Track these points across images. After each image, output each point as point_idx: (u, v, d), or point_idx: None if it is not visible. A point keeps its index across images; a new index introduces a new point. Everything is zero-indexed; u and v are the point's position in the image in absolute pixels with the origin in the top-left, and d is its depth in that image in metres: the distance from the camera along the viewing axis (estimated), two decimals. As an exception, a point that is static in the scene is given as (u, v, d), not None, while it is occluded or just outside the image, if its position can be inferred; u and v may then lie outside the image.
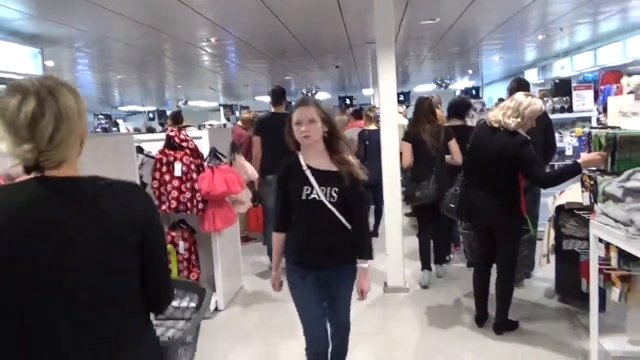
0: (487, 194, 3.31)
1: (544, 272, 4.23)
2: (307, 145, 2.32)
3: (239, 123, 7.13)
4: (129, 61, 9.26)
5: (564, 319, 3.68)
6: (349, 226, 2.36)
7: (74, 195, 1.17)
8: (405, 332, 3.70)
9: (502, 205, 3.27)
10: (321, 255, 2.39)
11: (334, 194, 2.28)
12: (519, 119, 3.17)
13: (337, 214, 2.31)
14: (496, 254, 3.41)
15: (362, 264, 2.43)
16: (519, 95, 3.26)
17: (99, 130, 15.88)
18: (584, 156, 3.10)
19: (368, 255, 2.45)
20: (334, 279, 2.44)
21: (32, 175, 1.12)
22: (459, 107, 5.02)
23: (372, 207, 6.52)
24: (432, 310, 4.01)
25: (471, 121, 6.90)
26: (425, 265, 4.63)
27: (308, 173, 2.31)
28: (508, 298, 3.43)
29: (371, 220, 6.52)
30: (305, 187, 2.29)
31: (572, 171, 3.18)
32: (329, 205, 2.29)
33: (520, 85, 4.42)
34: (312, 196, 2.28)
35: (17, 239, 1.08)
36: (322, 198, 2.28)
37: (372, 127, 6.30)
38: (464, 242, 4.94)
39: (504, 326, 3.46)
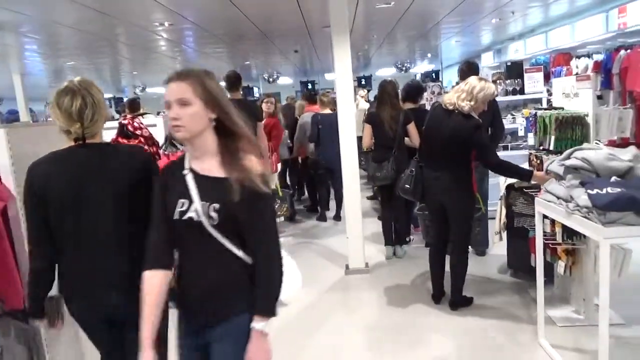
0: (441, 174, 3.41)
1: (498, 249, 4.41)
2: (182, 139, 1.59)
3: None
4: (80, 47, 8.89)
5: (516, 292, 3.85)
6: (249, 261, 1.59)
7: (102, 152, 1.91)
8: (365, 313, 3.79)
9: (454, 185, 3.38)
10: (197, 306, 1.62)
11: (212, 214, 1.53)
12: (472, 102, 3.27)
13: (226, 242, 1.56)
14: (450, 232, 3.52)
15: (256, 324, 1.57)
16: (473, 79, 3.35)
17: (50, 119, 15.24)
18: (539, 173, 3.23)
19: (266, 309, 1.59)
20: (213, 343, 1.64)
21: (77, 143, 1.86)
22: (412, 91, 5.12)
23: (332, 192, 6.60)
24: (392, 290, 4.12)
25: (428, 104, 7.04)
26: (388, 241, 4.82)
27: (189, 179, 1.59)
28: (462, 275, 3.55)
29: (332, 204, 6.61)
30: (181, 201, 1.57)
31: (522, 175, 3.32)
32: (210, 229, 1.54)
33: (470, 68, 4.54)
34: (189, 214, 1.55)
35: (69, 178, 1.83)
36: (202, 218, 1.54)
37: (327, 111, 6.35)
38: (420, 222, 5.08)
39: (459, 302, 3.59)
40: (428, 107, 6.90)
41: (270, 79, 16.68)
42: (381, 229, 4.94)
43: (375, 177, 4.64)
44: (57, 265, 1.87)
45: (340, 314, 3.79)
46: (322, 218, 6.59)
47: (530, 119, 3.63)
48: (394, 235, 4.86)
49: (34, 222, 1.84)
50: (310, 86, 17.23)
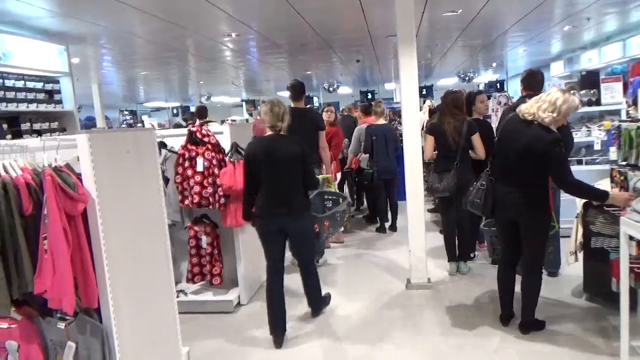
0: (515, 189, 3.22)
1: (570, 270, 4.13)
2: None
3: (259, 117, 7.16)
4: (152, 57, 9.35)
5: (593, 319, 3.58)
6: None
7: (285, 138, 3.46)
8: (427, 331, 3.64)
9: (530, 200, 3.18)
10: None
11: None
12: (554, 114, 3.05)
13: None
14: (522, 252, 3.32)
15: None
16: (556, 91, 3.14)
17: (124, 126, 16.13)
18: (616, 192, 3.08)
19: None
20: None
21: (274, 132, 3.44)
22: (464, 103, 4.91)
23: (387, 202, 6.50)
24: (456, 308, 3.96)
25: (496, 114, 6.79)
26: (451, 257, 4.67)
27: None
28: (535, 297, 3.34)
29: (389, 216, 6.50)
30: None
31: (598, 196, 3.12)
32: None
33: (533, 78, 4.33)
34: None
35: (268, 150, 3.38)
36: None
37: (381, 121, 6.31)
38: (486, 238, 4.86)
39: (531, 325, 3.38)
40: (494, 118, 6.68)
41: (331, 89, 16.76)
42: (443, 243, 4.79)
43: (434, 188, 4.51)
44: (255, 198, 3.46)
45: (401, 330, 3.68)
46: (382, 229, 6.48)
47: (613, 131, 3.38)
48: (458, 250, 4.69)
49: (247, 175, 3.47)
50: (370, 96, 17.18)
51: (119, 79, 12.96)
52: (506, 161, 3.27)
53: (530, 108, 3.13)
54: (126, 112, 18.99)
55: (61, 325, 2.18)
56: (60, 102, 5.72)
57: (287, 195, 3.40)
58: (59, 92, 5.73)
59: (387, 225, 6.51)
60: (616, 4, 7.18)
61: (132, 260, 2.43)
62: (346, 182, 7.70)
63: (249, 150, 3.48)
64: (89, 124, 9.02)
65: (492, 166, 3.42)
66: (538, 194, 3.18)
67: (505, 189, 3.27)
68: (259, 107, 19.27)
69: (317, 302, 3.94)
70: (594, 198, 3.22)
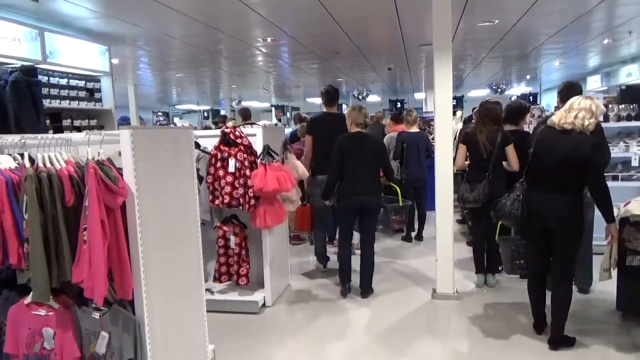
0: (552, 198, 3.20)
1: (603, 287, 4.01)
2: None
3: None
4: (187, 60, 9.54)
5: (626, 337, 3.47)
6: None
7: (367, 135, 4.46)
8: (454, 342, 3.60)
9: (567, 209, 3.18)
10: None
11: None
12: (593, 120, 3.16)
13: None
14: (553, 261, 3.27)
15: None
16: (583, 100, 3.20)
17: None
18: (614, 229, 3.29)
19: None
20: None
21: (359, 129, 4.38)
22: (511, 112, 4.76)
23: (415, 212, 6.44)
24: (484, 320, 3.89)
25: (528, 127, 6.65)
26: (479, 269, 4.60)
27: None
28: (565, 309, 3.26)
29: (416, 225, 6.44)
30: None
31: (607, 215, 3.20)
32: None
33: (571, 90, 4.24)
34: None
35: (354, 143, 4.32)
36: None
37: (414, 129, 6.30)
38: (503, 250, 4.71)
39: (560, 341, 3.30)
40: (526, 129, 6.55)
41: (360, 97, 16.77)
42: (469, 255, 4.73)
43: (465, 198, 4.43)
44: (339, 181, 4.30)
45: (427, 339, 3.64)
46: (408, 238, 6.43)
47: (654, 147, 3.28)
48: (486, 262, 4.61)
49: (336, 162, 4.25)
50: (399, 105, 17.13)
51: (154, 80, 13.27)
52: (546, 171, 3.24)
53: (566, 118, 3.16)
54: (160, 114, 19.42)
55: (96, 315, 2.24)
56: (100, 100, 5.89)
57: (367, 179, 4.26)
58: (99, 90, 5.90)
59: (413, 234, 6.46)
60: (659, 17, 6.98)
61: (165, 255, 2.49)
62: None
63: (341, 142, 4.29)
64: (123, 123, 9.25)
65: (527, 176, 3.37)
66: (576, 202, 3.19)
67: (541, 197, 3.23)
68: (287, 113, 19.57)
69: (369, 278, 4.48)
70: (605, 214, 3.19)
